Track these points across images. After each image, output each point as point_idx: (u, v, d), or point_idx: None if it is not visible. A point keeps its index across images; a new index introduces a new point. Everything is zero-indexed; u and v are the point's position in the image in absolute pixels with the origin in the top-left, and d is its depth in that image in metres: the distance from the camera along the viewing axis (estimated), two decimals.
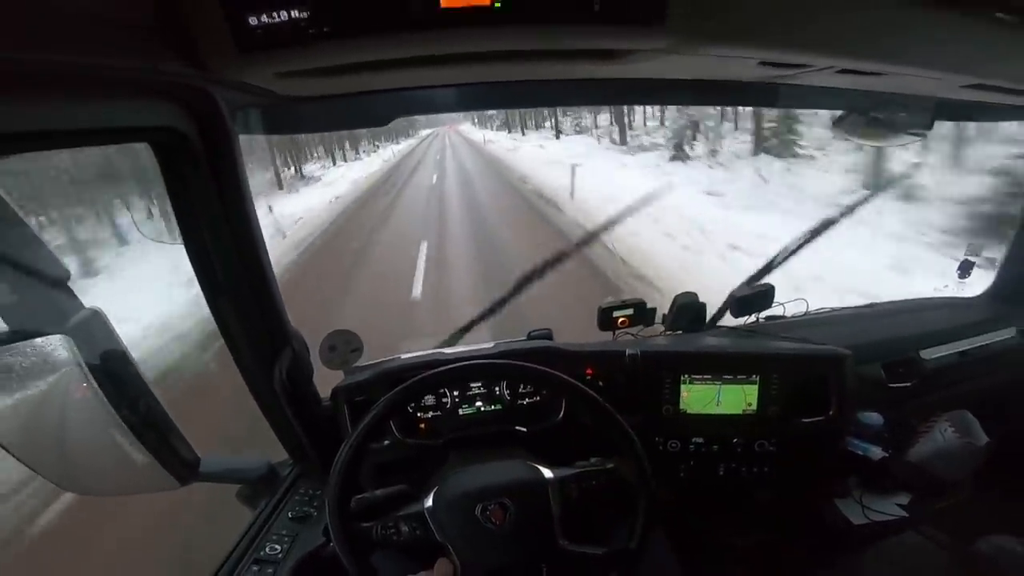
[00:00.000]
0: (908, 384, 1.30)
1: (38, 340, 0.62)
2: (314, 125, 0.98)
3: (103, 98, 0.55)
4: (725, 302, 1.40)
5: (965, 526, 1.26)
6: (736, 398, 1.17)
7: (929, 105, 1.05)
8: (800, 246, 1.44)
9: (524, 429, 1.15)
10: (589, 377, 1.17)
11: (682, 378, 1.17)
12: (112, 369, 0.70)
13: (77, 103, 0.52)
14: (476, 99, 1.06)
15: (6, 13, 0.38)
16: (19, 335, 0.61)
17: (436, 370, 0.88)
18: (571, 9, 0.55)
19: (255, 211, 0.86)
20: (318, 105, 0.89)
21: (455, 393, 1.17)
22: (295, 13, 0.51)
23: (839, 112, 1.11)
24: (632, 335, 1.33)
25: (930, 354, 1.32)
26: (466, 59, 0.65)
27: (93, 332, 0.70)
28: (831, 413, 1.15)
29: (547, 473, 0.88)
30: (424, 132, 74.95)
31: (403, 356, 1.23)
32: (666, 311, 1.36)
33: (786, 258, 1.45)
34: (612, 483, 0.88)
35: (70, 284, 0.70)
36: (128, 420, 0.69)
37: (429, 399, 1.16)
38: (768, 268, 1.45)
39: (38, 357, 0.62)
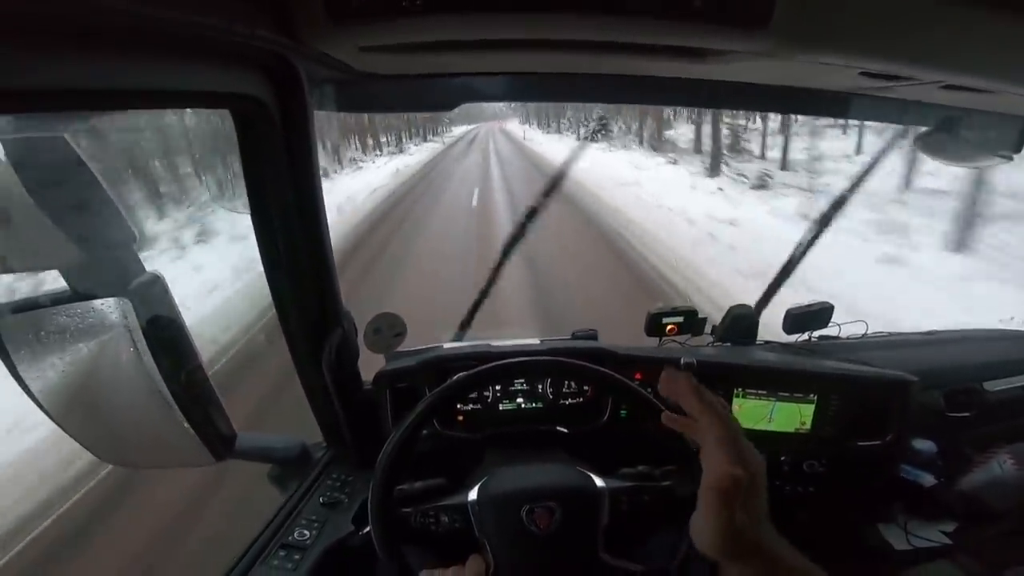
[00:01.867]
0: (968, 414, 1.26)
1: (96, 302, 0.60)
2: (383, 105, 0.98)
3: (194, 61, 0.54)
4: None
5: (1010, 557, 1.22)
6: (790, 416, 1.13)
7: (1020, 126, 1.00)
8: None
9: (565, 430, 1.12)
10: (639, 382, 1.13)
11: (736, 391, 1.14)
12: (166, 337, 0.68)
13: (169, 64, 0.51)
14: (547, 90, 1.04)
15: None
16: (78, 295, 0.60)
17: (499, 363, 0.84)
18: (670, 3, 0.53)
19: (321, 188, 0.85)
20: (391, 85, 0.89)
21: (497, 388, 1.15)
22: None
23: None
24: (679, 343, 1.29)
25: (993, 385, 1.28)
26: (551, 46, 0.64)
27: (152, 297, 0.68)
28: (888, 439, 1.12)
29: (599, 482, 0.85)
30: (457, 130, 60.67)
31: (446, 346, 1.20)
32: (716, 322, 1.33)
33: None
34: (664, 499, 0.85)
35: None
36: (175, 391, 0.66)
37: (471, 393, 1.14)
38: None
39: (94, 319, 0.60)
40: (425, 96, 0.96)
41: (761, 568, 0.42)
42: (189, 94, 0.58)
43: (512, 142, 34.80)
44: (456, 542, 0.80)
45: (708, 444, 0.48)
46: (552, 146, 24.84)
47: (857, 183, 1.37)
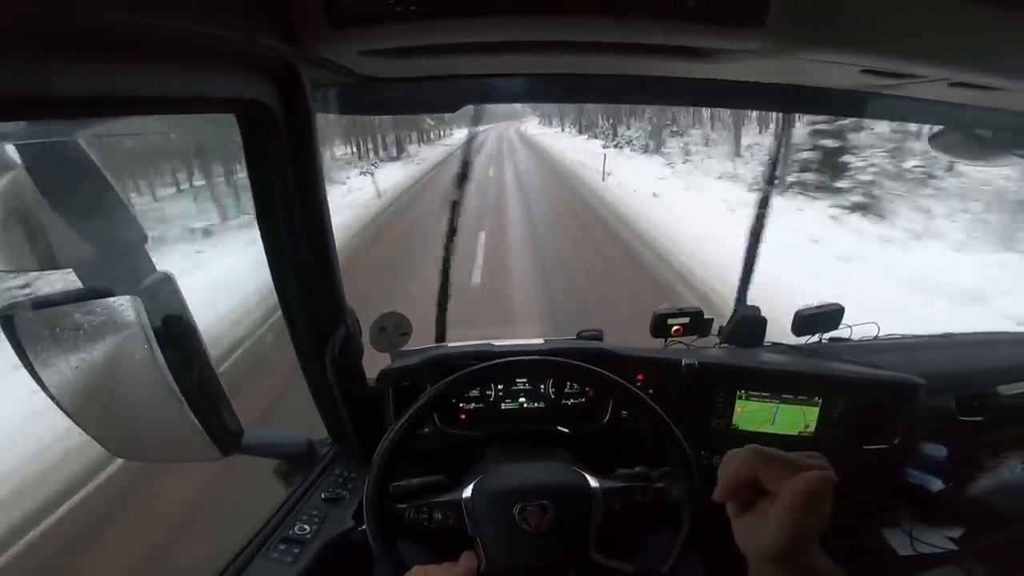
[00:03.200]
0: (980, 418, 1.23)
1: (109, 300, 0.62)
2: (386, 108, 1.01)
3: (200, 67, 0.56)
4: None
5: (1017, 563, 1.20)
6: (794, 419, 1.12)
7: None
8: None
9: (566, 430, 1.13)
10: (640, 383, 1.14)
11: (738, 393, 1.13)
12: (176, 335, 0.70)
13: (177, 70, 0.52)
14: (549, 91, 1.04)
15: None
16: (92, 293, 0.62)
17: (491, 363, 0.86)
18: (665, 3, 0.53)
19: (325, 189, 0.87)
20: (394, 87, 0.90)
21: (499, 387, 1.16)
22: None
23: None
24: (684, 344, 1.29)
25: (1007, 389, 1.25)
26: (548, 48, 0.64)
27: (162, 296, 0.70)
28: (895, 443, 1.10)
29: (593, 482, 0.86)
30: (458, 133, 44.51)
31: (450, 344, 1.21)
32: (723, 323, 1.31)
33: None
34: (658, 500, 0.85)
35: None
36: (184, 388, 0.69)
37: (473, 391, 1.15)
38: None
39: (107, 317, 0.62)
40: (427, 98, 0.98)
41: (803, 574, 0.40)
42: (197, 100, 0.60)
43: (536, 157, 23.35)
44: (449, 539, 0.81)
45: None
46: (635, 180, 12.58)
47: (772, 171, 1.41)
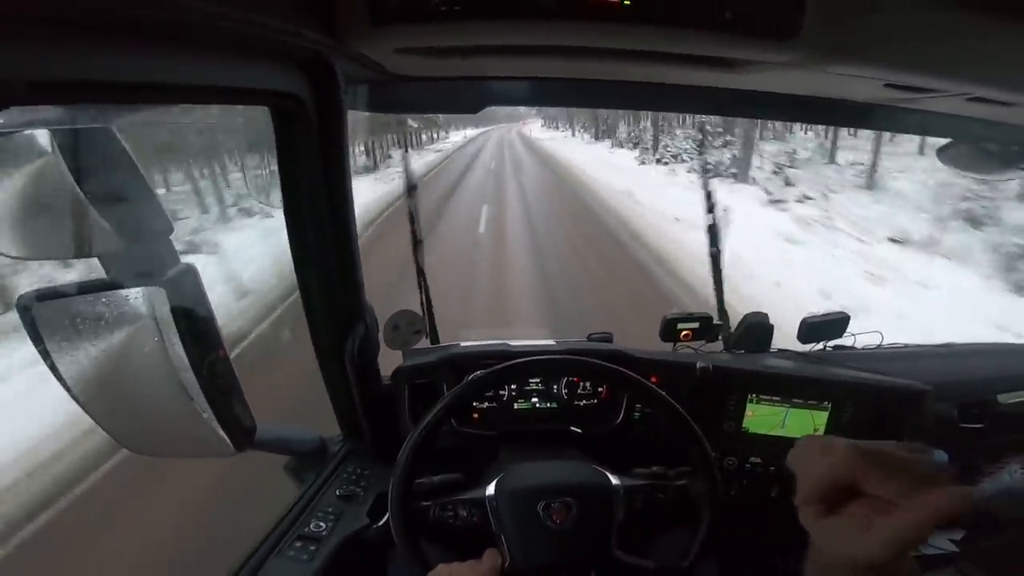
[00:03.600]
0: (980, 425, 1.26)
1: (133, 291, 0.61)
2: (412, 106, 1.02)
3: (238, 57, 0.56)
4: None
5: (1017, 568, 1.22)
6: (803, 423, 1.13)
7: None
8: None
9: (579, 430, 1.13)
10: (654, 385, 1.14)
11: (750, 397, 1.14)
12: (196, 328, 0.69)
13: (214, 59, 0.53)
14: (569, 95, 1.05)
15: None
16: (115, 284, 0.61)
17: (518, 361, 0.87)
18: (701, 14, 0.54)
19: (352, 186, 0.87)
20: (420, 86, 0.91)
21: (513, 387, 1.16)
22: None
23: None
24: (693, 349, 1.30)
25: (1007, 398, 1.28)
26: (578, 53, 0.65)
27: (184, 288, 0.69)
28: None
29: (614, 480, 0.87)
30: (454, 136, 45.62)
31: (463, 344, 1.21)
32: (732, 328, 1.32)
33: None
34: (678, 498, 0.86)
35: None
36: (202, 382, 0.68)
37: (488, 391, 1.15)
38: None
39: (128, 307, 0.62)
40: (451, 98, 0.99)
41: None
42: (232, 90, 0.60)
43: (552, 177, 14.99)
44: (473, 536, 0.82)
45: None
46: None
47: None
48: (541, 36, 0.60)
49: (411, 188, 1.33)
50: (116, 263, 0.65)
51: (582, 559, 0.79)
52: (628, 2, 0.53)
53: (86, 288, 0.60)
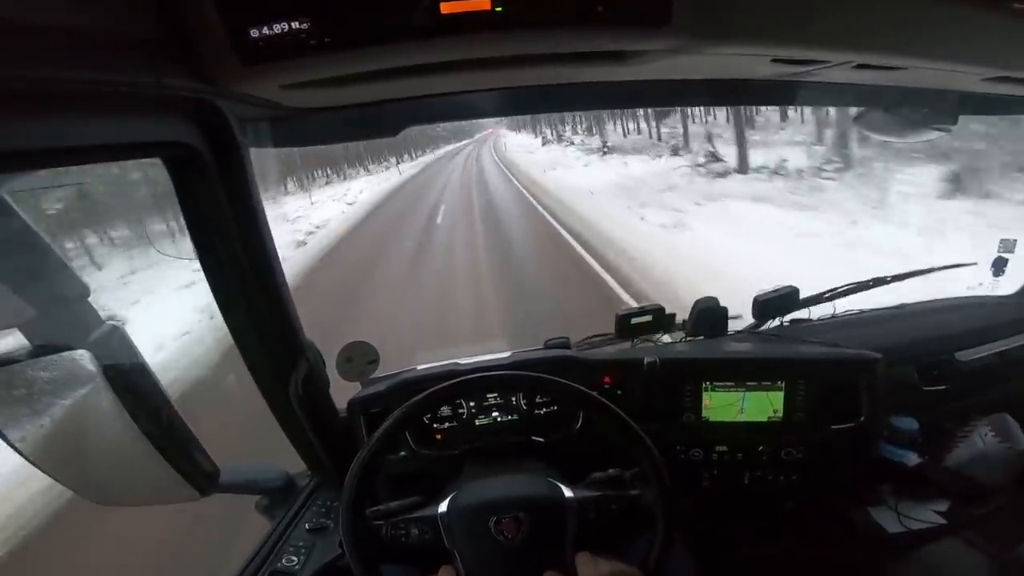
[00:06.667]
0: (943, 387, 1.24)
1: (62, 355, 0.62)
2: (323, 137, 0.97)
3: (114, 114, 0.55)
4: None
5: (1006, 532, 1.20)
6: (761, 405, 1.13)
7: (953, 99, 1.01)
8: None
9: (541, 440, 1.14)
10: (607, 386, 1.15)
11: (704, 385, 1.14)
12: (133, 382, 0.70)
13: (90, 120, 0.52)
14: (487, 106, 1.05)
15: (11, 34, 0.38)
16: (42, 350, 0.62)
17: (448, 383, 0.87)
18: (572, 11, 0.54)
19: (267, 223, 0.86)
20: (327, 116, 0.90)
21: (471, 404, 1.17)
22: (296, 25, 0.51)
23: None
24: (652, 342, 1.30)
25: (966, 356, 1.26)
26: (471, 65, 0.64)
27: (113, 346, 0.71)
28: (862, 419, 1.11)
29: (567, 492, 0.86)
30: (423, 157, 44.31)
31: (419, 367, 1.22)
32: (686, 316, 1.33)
33: None
34: (632, 508, 0.86)
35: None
36: (149, 433, 0.69)
37: (445, 410, 1.16)
38: None
39: (61, 372, 0.63)
40: (366, 124, 0.97)
41: None
42: (117, 147, 0.59)
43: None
44: (428, 553, 0.82)
45: None
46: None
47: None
48: (421, 55, 0.59)
49: None
50: (36, 332, 0.66)
51: (536, 573, 0.78)
52: (499, 8, 0.53)
53: (7, 360, 0.60)
